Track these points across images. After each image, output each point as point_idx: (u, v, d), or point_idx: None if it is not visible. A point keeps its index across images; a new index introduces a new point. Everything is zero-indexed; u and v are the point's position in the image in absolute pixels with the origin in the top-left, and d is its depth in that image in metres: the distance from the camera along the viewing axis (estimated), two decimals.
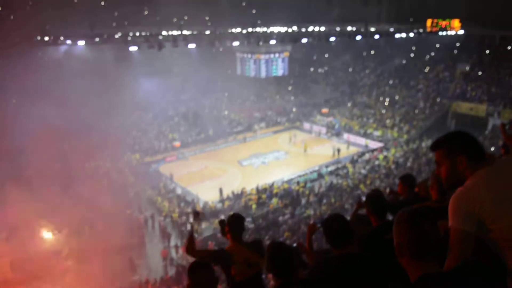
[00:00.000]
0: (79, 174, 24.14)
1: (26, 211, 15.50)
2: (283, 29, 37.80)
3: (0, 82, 23.83)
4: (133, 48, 26.58)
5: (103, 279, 13.55)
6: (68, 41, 25.88)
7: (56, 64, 28.23)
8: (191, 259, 3.10)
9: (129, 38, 27.09)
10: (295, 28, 38.56)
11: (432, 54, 41.20)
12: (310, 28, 39.05)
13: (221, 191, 22.91)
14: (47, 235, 16.86)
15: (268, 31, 36.61)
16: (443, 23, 40.46)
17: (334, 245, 2.54)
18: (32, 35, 25.23)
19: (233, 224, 3.45)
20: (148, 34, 28.00)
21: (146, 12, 38.04)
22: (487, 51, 37.89)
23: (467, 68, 36.93)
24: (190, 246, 3.23)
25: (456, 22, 40.25)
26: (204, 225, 19.73)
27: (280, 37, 34.07)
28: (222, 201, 22.17)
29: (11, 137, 19.94)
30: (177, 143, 31.72)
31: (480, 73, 35.58)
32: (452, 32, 40.35)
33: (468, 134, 1.97)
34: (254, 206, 21.19)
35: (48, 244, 16.76)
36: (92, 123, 29.21)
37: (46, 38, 25.32)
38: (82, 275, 13.90)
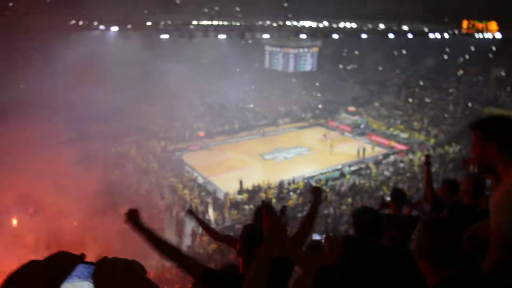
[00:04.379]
0: (105, 157, 24.74)
1: (52, 189, 16.03)
2: (314, 24, 37.46)
3: (33, 64, 24.55)
4: (165, 36, 26.84)
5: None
6: (102, 27, 26.37)
7: (87, 50, 28.86)
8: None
9: (161, 26, 27.41)
10: (326, 23, 38.16)
11: (466, 56, 40.02)
12: (342, 24, 38.57)
13: (241, 183, 23.02)
14: (71, 213, 17.34)
15: (299, 25, 36.35)
16: (480, 25, 39.21)
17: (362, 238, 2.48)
18: (67, 19, 25.86)
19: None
20: (179, 23, 28.26)
21: (178, 1, 38.40)
22: None
23: (502, 73, 35.68)
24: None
25: (493, 25, 38.92)
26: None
27: (311, 32, 33.77)
28: (241, 193, 22.30)
29: (40, 116, 20.55)
30: (201, 133, 32.00)
31: None
32: (489, 35, 39.02)
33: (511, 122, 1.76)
34: (274, 201, 21.23)
35: (72, 222, 17.25)
36: (120, 108, 29.86)
37: (81, 23, 25.91)
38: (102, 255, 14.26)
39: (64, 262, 0.93)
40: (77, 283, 0.92)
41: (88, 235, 15.80)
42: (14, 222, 16.49)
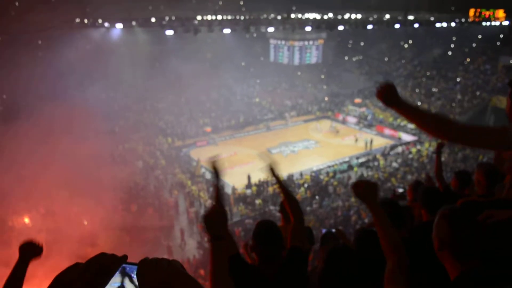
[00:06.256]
0: (113, 155, 24.90)
1: (62, 188, 16.13)
2: (318, 16, 37.17)
3: (39, 63, 24.64)
4: (169, 32, 26.79)
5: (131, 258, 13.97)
6: (106, 24, 26.39)
7: (92, 47, 28.92)
8: None
9: (165, 22, 27.35)
10: (331, 15, 37.84)
11: (474, 45, 39.53)
12: (347, 15, 38.21)
13: (249, 178, 23.03)
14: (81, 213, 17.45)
15: (304, 18, 36.08)
16: (487, 13, 38.73)
17: None
18: (72, 17, 25.91)
19: None
20: (183, 18, 28.19)
21: None
22: None
23: (511, 61, 35.23)
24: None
25: (500, 13, 38.42)
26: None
27: (316, 24, 33.45)
28: (249, 187, 22.31)
29: (46, 116, 20.65)
30: (208, 128, 32.02)
31: None
32: (496, 23, 38.51)
33: None
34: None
35: (82, 221, 17.39)
36: (126, 105, 29.93)
37: (86, 21, 25.95)
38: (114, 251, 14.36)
39: (106, 264, 0.95)
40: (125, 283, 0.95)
41: (99, 232, 15.92)
42: (26, 221, 16.66)
